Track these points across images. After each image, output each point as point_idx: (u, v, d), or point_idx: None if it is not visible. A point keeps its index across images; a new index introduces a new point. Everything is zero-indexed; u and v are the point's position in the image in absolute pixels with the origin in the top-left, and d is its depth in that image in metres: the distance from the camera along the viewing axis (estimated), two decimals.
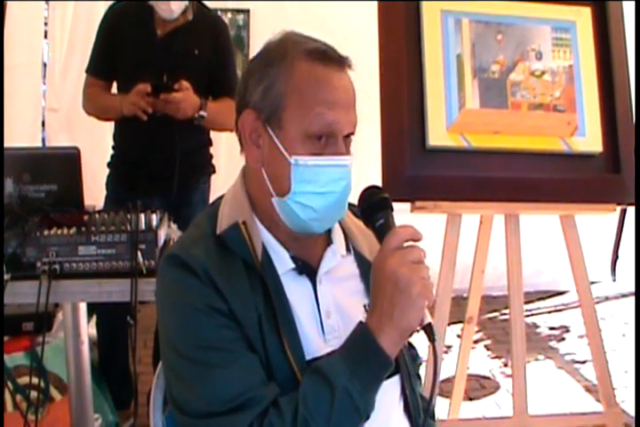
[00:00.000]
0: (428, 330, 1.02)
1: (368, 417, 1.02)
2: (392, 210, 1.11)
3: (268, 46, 1.13)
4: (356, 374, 1.00)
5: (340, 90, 1.09)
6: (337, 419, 0.99)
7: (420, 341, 1.09)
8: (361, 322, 1.04)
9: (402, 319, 1.00)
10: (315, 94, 1.07)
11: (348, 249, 1.21)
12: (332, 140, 1.09)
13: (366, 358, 1.01)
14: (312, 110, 1.07)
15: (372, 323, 1.02)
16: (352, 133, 1.12)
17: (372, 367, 1.01)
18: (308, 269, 1.14)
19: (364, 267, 1.20)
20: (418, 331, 1.03)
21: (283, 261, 1.12)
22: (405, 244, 1.03)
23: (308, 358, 1.08)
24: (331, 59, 1.09)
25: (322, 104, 1.07)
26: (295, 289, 1.12)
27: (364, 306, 1.18)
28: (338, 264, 1.18)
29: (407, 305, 0.99)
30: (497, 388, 3.19)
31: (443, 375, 2.73)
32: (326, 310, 1.13)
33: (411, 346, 1.32)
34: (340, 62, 1.10)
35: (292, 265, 1.13)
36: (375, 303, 1.03)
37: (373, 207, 1.10)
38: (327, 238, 1.19)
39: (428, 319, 1.01)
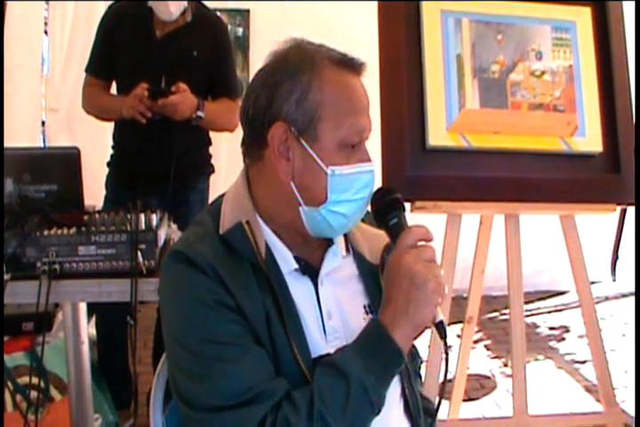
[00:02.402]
0: (440, 328, 1.03)
1: (379, 412, 1.03)
2: (404, 210, 1.12)
3: (286, 55, 1.10)
4: (371, 368, 1.01)
5: (362, 96, 1.10)
6: (352, 412, 0.99)
7: (419, 340, 1.10)
8: (373, 318, 1.05)
9: (416, 315, 1.01)
10: (346, 103, 1.08)
11: (347, 249, 1.21)
12: (358, 147, 1.10)
13: (380, 352, 1.02)
14: (346, 119, 1.07)
15: (385, 318, 1.03)
16: None
17: (385, 362, 1.02)
18: (310, 269, 1.14)
19: (364, 267, 1.21)
20: (429, 327, 1.04)
21: (286, 261, 1.12)
22: (418, 243, 1.05)
23: (312, 356, 1.08)
24: (353, 66, 1.10)
25: (354, 112, 1.08)
26: (298, 289, 1.12)
27: (364, 306, 1.18)
28: (338, 265, 1.18)
29: (422, 301, 1.01)
30: (495, 387, 3.19)
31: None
32: (328, 311, 1.14)
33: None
34: (359, 68, 1.11)
35: (296, 265, 1.13)
36: (389, 298, 1.04)
37: (387, 207, 1.11)
38: (328, 239, 1.18)
39: (441, 317, 1.03)
